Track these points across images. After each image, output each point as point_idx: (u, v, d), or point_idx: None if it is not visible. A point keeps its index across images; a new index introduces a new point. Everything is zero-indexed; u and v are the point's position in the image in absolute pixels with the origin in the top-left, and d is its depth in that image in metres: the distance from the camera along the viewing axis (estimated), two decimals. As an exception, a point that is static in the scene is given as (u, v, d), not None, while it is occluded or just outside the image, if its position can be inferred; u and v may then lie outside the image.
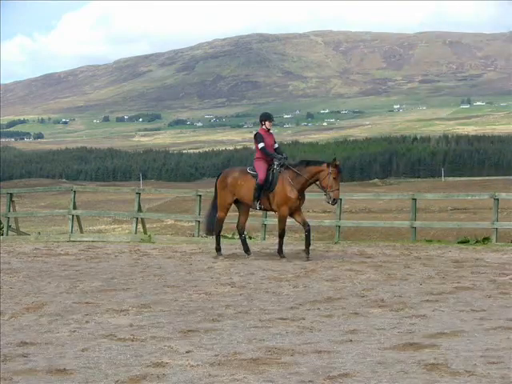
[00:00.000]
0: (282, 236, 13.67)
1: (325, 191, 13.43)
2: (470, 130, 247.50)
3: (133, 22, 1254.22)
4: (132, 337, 6.95)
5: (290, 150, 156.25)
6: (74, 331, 7.25)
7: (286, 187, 13.42)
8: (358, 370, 5.65)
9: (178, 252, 14.83)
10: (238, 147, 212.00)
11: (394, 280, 10.56)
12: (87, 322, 7.72)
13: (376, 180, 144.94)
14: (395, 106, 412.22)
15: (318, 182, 13.51)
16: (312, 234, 14.17)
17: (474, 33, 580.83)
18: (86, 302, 8.86)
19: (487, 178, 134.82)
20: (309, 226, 13.56)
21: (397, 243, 17.11)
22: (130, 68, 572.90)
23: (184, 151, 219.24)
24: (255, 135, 13.88)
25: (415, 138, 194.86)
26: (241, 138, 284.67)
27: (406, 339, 6.71)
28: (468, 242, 17.35)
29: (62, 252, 14.99)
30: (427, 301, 8.78)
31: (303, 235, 13.85)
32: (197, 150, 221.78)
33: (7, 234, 20.68)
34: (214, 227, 14.29)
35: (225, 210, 14.14)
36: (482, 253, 14.36)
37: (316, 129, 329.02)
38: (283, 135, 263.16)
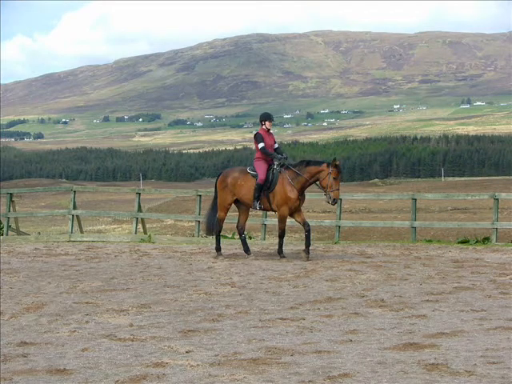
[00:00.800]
0: (281, 236, 13.66)
1: (325, 191, 13.42)
2: (470, 129, 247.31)
3: (133, 22, 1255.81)
4: (132, 337, 6.94)
5: (289, 150, 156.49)
6: (74, 331, 7.25)
7: (286, 187, 13.42)
8: (357, 370, 5.64)
9: (178, 252, 14.82)
10: (238, 147, 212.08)
11: (393, 280, 10.56)
12: (87, 322, 7.72)
13: (376, 180, 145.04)
14: (395, 106, 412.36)
15: (318, 182, 13.51)
16: (312, 234, 14.17)
17: (474, 33, 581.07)
18: (86, 302, 8.85)
19: (487, 177, 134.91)
20: (309, 226, 13.55)
21: (397, 243, 17.11)
22: (129, 68, 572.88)
23: (184, 151, 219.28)
24: (255, 135, 13.87)
25: (415, 138, 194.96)
26: (241, 137, 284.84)
27: (406, 339, 6.71)
28: (468, 242, 17.36)
29: (62, 252, 14.98)
30: (427, 301, 8.78)
31: (303, 235, 13.85)
32: (197, 150, 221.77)
33: (7, 234, 20.68)
34: (213, 227, 14.28)
35: (225, 210, 14.14)
36: (482, 253, 14.36)
37: (316, 129, 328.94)
38: (283, 135, 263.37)
